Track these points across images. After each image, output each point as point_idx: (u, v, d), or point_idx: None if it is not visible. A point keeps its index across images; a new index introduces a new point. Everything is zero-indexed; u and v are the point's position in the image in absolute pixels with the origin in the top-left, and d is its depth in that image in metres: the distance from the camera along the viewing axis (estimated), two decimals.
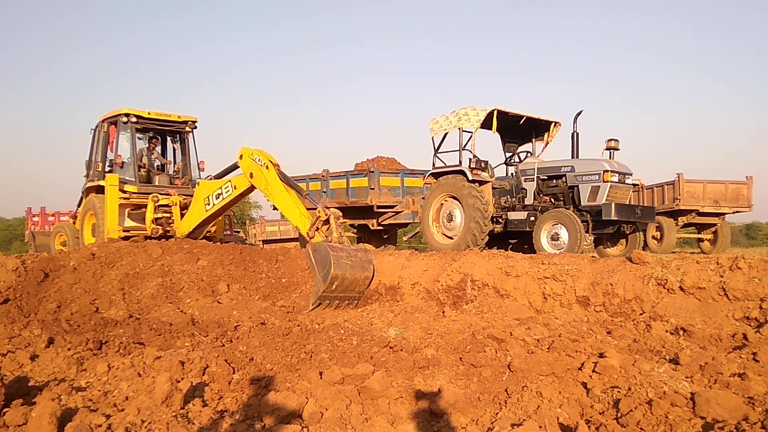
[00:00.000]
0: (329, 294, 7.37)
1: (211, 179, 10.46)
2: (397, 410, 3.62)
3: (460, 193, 9.17)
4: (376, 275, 8.18)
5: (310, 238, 8.23)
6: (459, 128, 9.38)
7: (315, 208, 8.45)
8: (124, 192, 10.72)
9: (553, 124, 9.91)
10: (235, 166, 9.94)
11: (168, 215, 10.83)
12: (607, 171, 8.23)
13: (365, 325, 5.99)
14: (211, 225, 11.07)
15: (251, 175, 9.16)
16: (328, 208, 8.39)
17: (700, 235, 14.51)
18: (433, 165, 10.04)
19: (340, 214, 8.57)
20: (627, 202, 8.60)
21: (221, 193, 9.90)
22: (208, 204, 10.13)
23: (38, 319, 6.97)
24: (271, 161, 8.84)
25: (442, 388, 3.80)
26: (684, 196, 13.08)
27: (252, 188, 9.41)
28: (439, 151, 9.99)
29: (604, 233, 8.72)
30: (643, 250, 9.02)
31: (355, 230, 14.41)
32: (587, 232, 8.24)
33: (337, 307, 7.52)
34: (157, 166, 11.77)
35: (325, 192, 13.07)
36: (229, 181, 9.84)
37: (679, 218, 13.45)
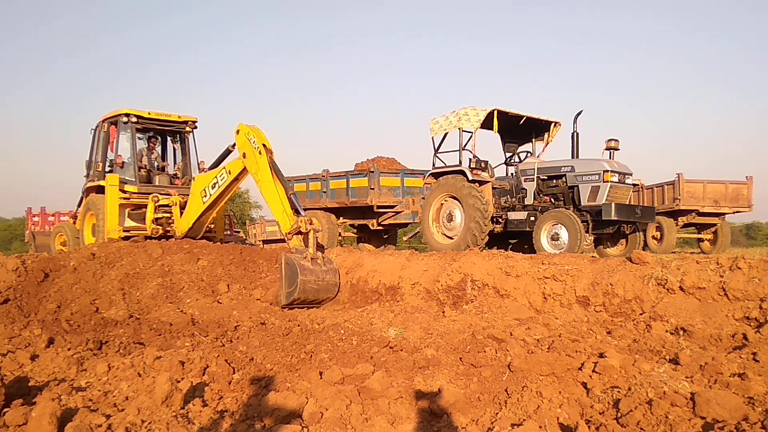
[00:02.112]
0: (289, 305, 7.94)
1: (205, 171, 10.47)
2: (397, 410, 3.62)
3: (460, 193, 9.16)
4: (376, 275, 8.20)
5: (288, 240, 8.41)
6: (459, 128, 9.38)
7: (298, 210, 8.56)
8: (125, 192, 10.71)
9: (553, 124, 9.91)
10: (227, 152, 9.98)
11: (168, 215, 10.83)
12: (607, 171, 8.23)
13: (365, 325, 5.99)
14: (210, 222, 11.06)
15: (244, 155, 9.15)
16: (311, 222, 8.43)
17: (700, 235, 14.49)
18: (433, 165, 10.03)
19: (320, 228, 8.73)
20: (627, 202, 8.60)
21: (217, 182, 9.88)
22: (205, 196, 10.11)
23: (38, 319, 6.97)
24: (264, 145, 8.84)
25: (442, 388, 3.80)
26: (684, 196, 13.06)
27: (246, 171, 9.36)
28: (439, 151, 9.99)
29: (604, 233, 8.72)
30: (643, 250, 9.01)
31: (355, 230, 14.41)
32: (587, 232, 8.23)
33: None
34: (157, 166, 11.77)
35: (325, 192, 13.06)
36: (224, 168, 9.83)
37: (679, 218, 13.43)
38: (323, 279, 8.09)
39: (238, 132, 9.23)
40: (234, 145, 9.67)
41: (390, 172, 12.59)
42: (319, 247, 8.92)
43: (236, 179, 9.70)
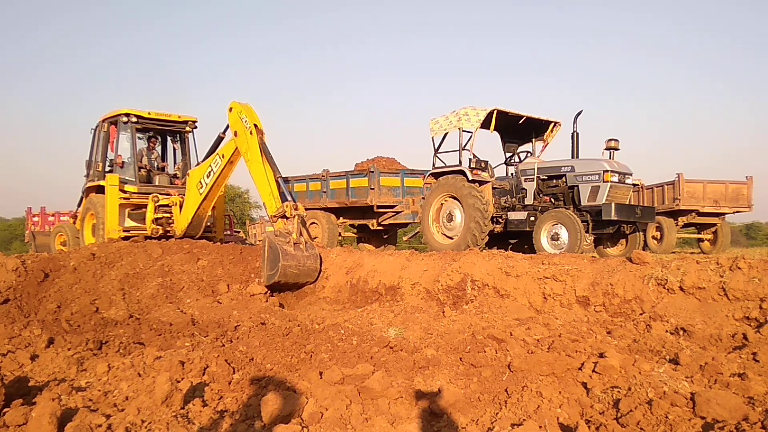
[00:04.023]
0: (269, 286, 8.44)
1: (199, 164, 10.52)
2: (397, 410, 3.62)
3: (460, 193, 9.16)
4: (376, 275, 8.20)
5: (273, 223, 8.72)
6: (459, 128, 9.37)
7: (285, 196, 8.74)
8: (125, 192, 10.72)
9: (552, 124, 9.90)
10: (219, 140, 10.09)
11: (168, 215, 10.83)
12: (607, 171, 8.22)
13: (365, 325, 5.98)
14: (208, 220, 11.06)
15: (236, 134, 9.24)
16: (296, 208, 8.62)
17: (700, 235, 14.49)
18: (433, 165, 10.03)
19: (305, 214, 8.98)
20: (627, 202, 8.59)
21: (211, 170, 9.96)
22: (201, 187, 10.17)
23: (38, 319, 6.98)
24: (256, 125, 8.95)
25: (442, 388, 3.80)
26: (684, 196, 13.06)
27: (240, 153, 9.45)
28: (439, 151, 9.98)
29: (604, 233, 8.72)
30: (643, 250, 9.01)
31: (355, 230, 14.40)
32: (587, 232, 8.23)
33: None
34: (157, 166, 11.78)
35: (325, 192, 13.05)
36: (216, 154, 9.88)
37: (679, 218, 13.43)
38: (304, 264, 8.41)
39: (231, 110, 9.33)
40: (225, 131, 9.77)
41: (390, 172, 12.57)
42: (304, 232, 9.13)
43: (230, 162, 9.77)
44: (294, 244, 8.39)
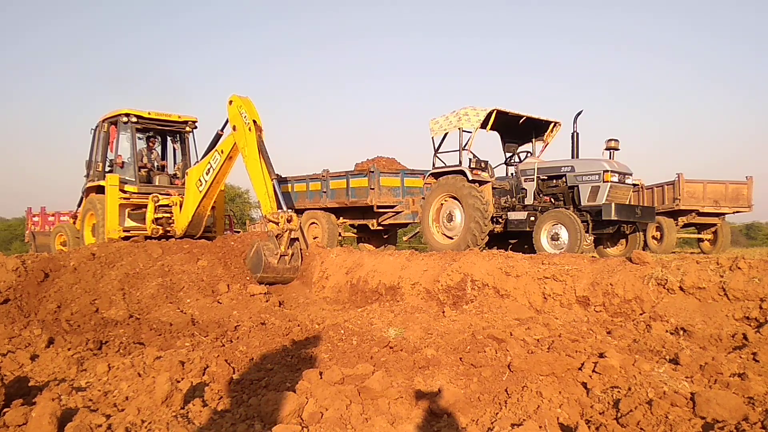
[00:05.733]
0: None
1: (198, 162, 10.54)
2: (397, 410, 3.62)
3: (460, 193, 9.16)
4: (376, 275, 8.20)
5: (265, 222, 9.15)
6: (459, 128, 9.37)
7: (280, 203, 8.96)
8: (125, 192, 10.73)
9: (552, 124, 9.90)
10: (217, 137, 10.16)
11: (168, 215, 10.84)
12: (607, 171, 8.23)
13: (365, 325, 5.98)
14: (207, 219, 11.07)
15: (234, 128, 9.29)
16: (290, 220, 8.83)
17: (700, 235, 14.49)
18: (433, 165, 10.03)
19: (297, 228, 9.25)
20: (627, 202, 8.59)
21: (211, 166, 9.99)
22: (201, 184, 10.19)
23: (38, 319, 6.98)
24: (255, 122, 9.03)
25: (442, 388, 3.80)
26: (684, 196, 13.06)
27: (238, 149, 9.50)
28: (439, 151, 9.98)
29: (604, 233, 8.72)
30: (643, 250, 9.01)
31: (355, 230, 14.41)
32: (587, 232, 8.23)
33: None
34: (157, 166, 11.78)
35: (325, 192, 13.05)
36: (215, 150, 9.90)
37: (679, 218, 13.43)
38: (282, 275, 9.01)
39: (230, 103, 9.35)
40: (224, 127, 9.79)
41: (390, 172, 12.57)
42: (293, 241, 9.27)
43: (229, 158, 9.80)
44: (280, 256, 8.87)
